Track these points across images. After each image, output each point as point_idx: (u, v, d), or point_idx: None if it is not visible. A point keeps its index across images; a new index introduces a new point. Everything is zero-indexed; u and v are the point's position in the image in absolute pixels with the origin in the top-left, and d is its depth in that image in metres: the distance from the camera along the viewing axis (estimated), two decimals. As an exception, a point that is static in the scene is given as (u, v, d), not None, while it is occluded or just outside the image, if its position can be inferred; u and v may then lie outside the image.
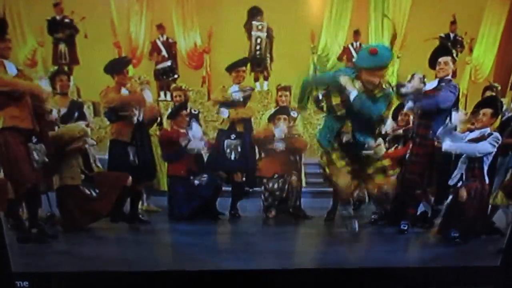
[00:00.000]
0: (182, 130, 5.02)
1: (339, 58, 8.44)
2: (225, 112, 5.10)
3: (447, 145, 4.16)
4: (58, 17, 7.71)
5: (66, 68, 7.09)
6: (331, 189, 5.06)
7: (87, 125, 4.67)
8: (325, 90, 3.97)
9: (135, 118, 4.62)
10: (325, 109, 4.07)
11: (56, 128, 4.44)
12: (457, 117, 4.31)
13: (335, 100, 3.85)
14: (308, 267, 3.83)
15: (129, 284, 3.44)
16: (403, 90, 4.54)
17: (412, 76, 4.98)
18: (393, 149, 4.95)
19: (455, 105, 4.41)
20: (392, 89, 3.97)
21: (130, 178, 4.52)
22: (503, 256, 3.65)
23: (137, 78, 5.09)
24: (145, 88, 4.85)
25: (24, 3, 7.70)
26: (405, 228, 4.58)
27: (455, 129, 4.25)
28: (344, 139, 3.91)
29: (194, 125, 5.07)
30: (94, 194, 4.47)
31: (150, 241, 4.49)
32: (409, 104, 4.51)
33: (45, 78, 4.36)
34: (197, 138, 4.99)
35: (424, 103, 4.39)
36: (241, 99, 5.09)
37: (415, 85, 4.43)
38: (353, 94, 3.74)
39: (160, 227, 4.92)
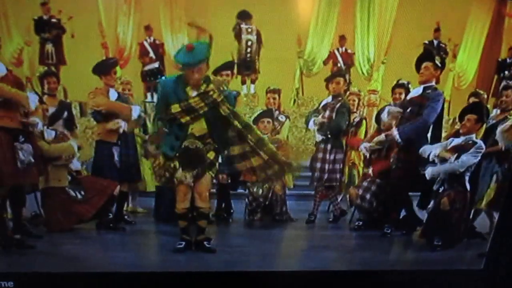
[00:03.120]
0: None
1: (325, 63, 8.51)
2: None
3: (429, 172, 4.24)
4: (45, 17, 7.66)
5: (53, 68, 7.05)
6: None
7: (80, 148, 4.67)
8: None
9: (120, 130, 4.64)
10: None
11: (46, 129, 4.43)
12: (435, 150, 4.34)
13: (175, 109, 3.69)
14: (292, 270, 3.84)
15: (115, 285, 3.42)
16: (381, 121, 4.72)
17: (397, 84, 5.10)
18: (376, 154, 4.97)
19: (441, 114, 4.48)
20: None
21: (119, 187, 4.54)
22: (486, 260, 3.68)
23: (118, 79, 5.07)
24: (134, 104, 4.89)
25: (11, 1, 7.64)
26: (388, 231, 4.61)
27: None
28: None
29: None
30: (79, 196, 4.46)
31: (136, 242, 4.47)
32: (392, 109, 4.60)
33: (34, 94, 4.32)
34: None
35: (410, 115, 4.48)
36: None
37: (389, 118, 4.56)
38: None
39: (145, 228, 4.91)
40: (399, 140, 4.42)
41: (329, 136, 5.08)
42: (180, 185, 3.73)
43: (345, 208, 5.39)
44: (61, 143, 4.45)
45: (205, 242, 3.87)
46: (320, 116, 5.13)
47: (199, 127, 3.74)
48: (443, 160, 4.22)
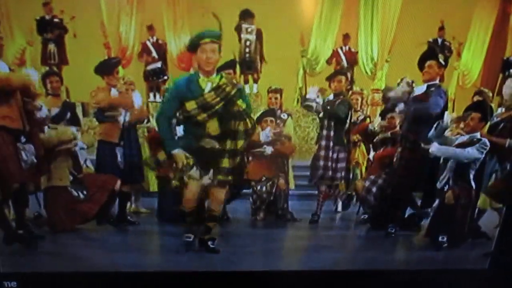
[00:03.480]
0: None
1: (328, 62, 8.48)
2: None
3: (434, 149, 4.17)
4: (47, 17, 7.66)
5: (55, 68, 7.04)
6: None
7: (79, 130, 4.65)
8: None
9: (121, 118, 4.60)
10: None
11: (46, 128, 4.41)
12: (449, 117, 4.31)
13: (190, 106, 3.65)
14: (296, 269, 3.83)
15: (118, 285, 3.42)
16: (391, 93, 4.60)
17: (402, 80, 5.06)
18: (381, 151, 4.97)
19: (444, 110, 4.44)
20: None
21: (119, 181, 4.51)
22: (491, 259, 3.67)
23: (121, 79, 5.06)
24: (135, 90, 4.86)
25: (13, 1, 7.64)
26: (392, 231, 4.58)
27: (445, 130, 4.28)
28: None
29: None
30: (81, 196, 4.45)
31: (139, 242, 4.46)
32: (400, 106, 4.55)
33: (34, 70, 4.31)
34: None
35: (414, 109, 4.43)
36: None
37: (401, 94, 4.49)
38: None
39: (148, 229, 4.90)
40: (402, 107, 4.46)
41: (330, 131, 5.02)
42: (191, 183, 3.69)
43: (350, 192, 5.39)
44: (60, 128, 4.45)
45: (209, 242, 3.84)
46: (320, 115, 5.11)
47: (214, 126, 3.70)
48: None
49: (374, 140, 5.15)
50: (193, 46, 3.68)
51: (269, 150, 5.07)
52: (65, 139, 4.38)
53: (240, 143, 3.72)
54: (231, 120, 3.69)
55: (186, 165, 3.65)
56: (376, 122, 5.08)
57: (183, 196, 3.77)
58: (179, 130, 4.17)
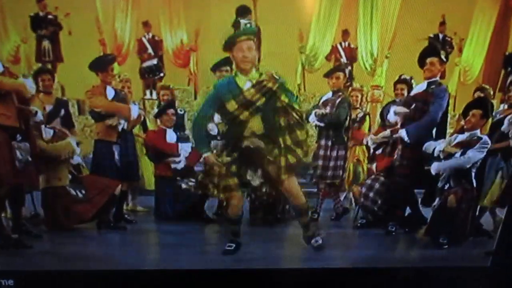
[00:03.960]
0: (170, 141, 5.04)
1: (328, 58, 8.43)
2: (214, 130, 5.01)
3: (435, 167, 4.16)
4: (41, 13, 7.59)
5: (50, 66, 6.98)
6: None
7: (79, 144, 4.60)
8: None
9: (120, 127, 4.58)
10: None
11: (43, 127, 4.36)
12: (441, 146, 4.28)
13: (231, 106, 3.56)
14: (295, 267, 3.81)
15: (115, 283, 3.39)
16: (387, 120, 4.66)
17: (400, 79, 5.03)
18: (380, 150, 4.91)
19: (446, 111, 4.40)
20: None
21: (120, 186, 4.49)
22: (493, 257, 3.64)
23: (117, 76, 5.02)
24: (134, 103, 4.87)
25: (6, -2, 7.58)
26: (393, 229, 4.56)
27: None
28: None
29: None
30: (80, 195, 4.42)
31: (136, 240, 4.43)
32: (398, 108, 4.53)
33: (30, 78, 4.26)
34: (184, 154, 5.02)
35: (415, 111, 4.40)
36: None
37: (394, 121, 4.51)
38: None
39: (146, 227, 4.88)
40: (408, 140, 4.34)
41: (330, 130, 5.01)
42: (234, 192, 3.61)
43: (348, 206, 5.34)
44: (59, 142, 4.38)
45: (312, 241, 3.81)
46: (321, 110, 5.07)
47: (258, 125, 3.59)
48: (449, 156, 4.15)
49: (371, 152, 5.09)
50: (229, 45, 3.60)
51: None
52: (65, 154, 4.35)
53: (287, 138, 3.59)
54: (275, 116, 3.59)
55: (220, 172, 3.60)
56: (372, 138, 4.99)
57: (228, 203, 3.73)
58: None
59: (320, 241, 3.81)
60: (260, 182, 3.63)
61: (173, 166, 5.00)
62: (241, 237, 3.81)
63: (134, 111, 4.68)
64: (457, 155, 4.11)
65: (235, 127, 3.63)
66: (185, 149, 5.02)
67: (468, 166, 4.09)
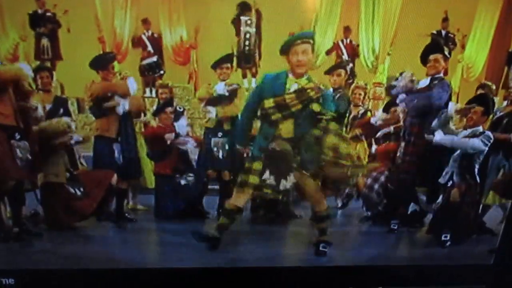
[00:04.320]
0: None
1: (328, 52, 8.36)
2: (212, 112, 5.01)
3: (438, 137, 4.16)
4: (40, 11, 7.56)
5: (48, 64, 6.97)
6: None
7: (72, 120, 4.55)
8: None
9: (120, 109, 4.52)
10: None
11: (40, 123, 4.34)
12: (453, 107, 4.27)
13: (268, 103, 3.60)
14: (296, 266, 3.83)
15: (116, 281, 3.39)
16: (393, 91, 4.55)
17: (401, 74, 4.99)
18: (383, 146, 4.93)
19: (448, 103, 4.38)
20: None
21: (116, 175, 4.48)
22: (496, 255, 3.65)
23: (117, 74, 5.02)
24: (129, 76, 4.82)
25: (5, -4, 7.54)
26: (395, 227, 4.57)
27: (449, 121, 4.24)
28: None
29: (181, 120, 5.04)
30: (79, 193, 4.41)
31: (137, 239, 4.44)
32: (401, 97, 4.49)
33: (27, 64, 4.25)
34: (183, 134, 4.99)
35: (417, 101, 4.36)
36: (227, 97, 4.99)
37: (404, 84, 4.42)
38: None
39: (146, 226, 4.86)
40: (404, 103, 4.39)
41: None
42: (247, 188, 3.65)
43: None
44: (54, 119, 4.35)
45: (321, 245, 3.82)
46: None
47: (287, 129, 3.60)
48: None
49: (377, 136, 5.09)
50: (285, 50, 3.62)
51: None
52: (59, 129, 4.30)
53: (314, 147, 3.59)
54: (305, 123, 3.59)
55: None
56: (378, 116, 5.02)
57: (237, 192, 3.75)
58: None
59: (327, 249, 3.81)
60: (287, 186, 3.59)
61: (183, 147, 5.00)
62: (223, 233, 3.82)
63: (131, 84, 4.65)
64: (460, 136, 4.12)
65: (266, 126, 3.65)
66: (181, 128, 5.01)
67: (471, 151, 4.08)
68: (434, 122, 4.20)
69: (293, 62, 3.57)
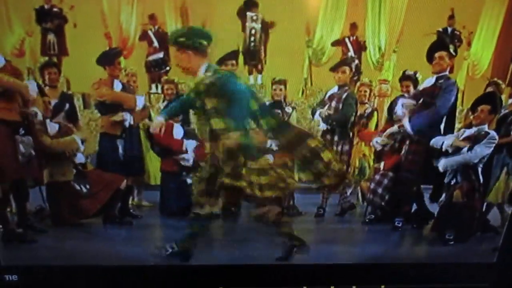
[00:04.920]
0: (176, 138, 5.01)
1: (333, 44, 8.30)
2: None
3: (442, 164, 4.16)
4: (46, 6, 7.55)
5: (55, 59, 6.97)
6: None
7: (83, 141, 4.59)
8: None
9: (126, 123, 4.61)
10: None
11: (48, 121, 4.38)
12: (448, 142, 4.25)
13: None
14: (300, 263, 3.76)
15: (120, 278, 3.40)
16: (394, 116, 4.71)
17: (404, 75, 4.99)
18: (388, 146, 4.89)
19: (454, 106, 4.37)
20: None
21: (125, 181, 4.53)
22: (499, 253, 3.65)
23: (123, 70, 5.02)
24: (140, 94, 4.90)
25: (11, -9, 7.54)
26: (399, 225, 4.58)
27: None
28: None
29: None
30: (85, 190, 4.43)
31: (142, 235, 4.49)
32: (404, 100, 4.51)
33: (34, 82, 4.27)
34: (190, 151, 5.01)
35: (423, 104, 4.38)
36: None
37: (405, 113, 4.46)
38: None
39: (151, 222, 4.91)
40: (411, 132, 4.33)
41: (335, 127, 5.00)
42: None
43: (355, 202, 5.31)
44: (64, 138, 4.38)
45: (295, 250, 3.73)
46: (326, 108, 5.07)
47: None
48: (456, 151, 4.13)
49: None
50: None
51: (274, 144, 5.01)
52: (69, 150, 4.34)
53: None
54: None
55: None
56: (379, 141, 4.97)
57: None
58: None
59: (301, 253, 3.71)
60: None
61: (182, 163, 4.98)
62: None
63: (140, 101, 4.71)
64: (464, 150, 4.10)
65: None
66: (189, 145, 5.01)
67: (475, 162, 4.08)
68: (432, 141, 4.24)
69: None
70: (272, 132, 3.57)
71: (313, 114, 5.28)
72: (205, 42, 3.52)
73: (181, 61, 3.50)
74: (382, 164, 4.89)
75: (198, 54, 3.49)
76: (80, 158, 4.57)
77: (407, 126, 4.35)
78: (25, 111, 3.88)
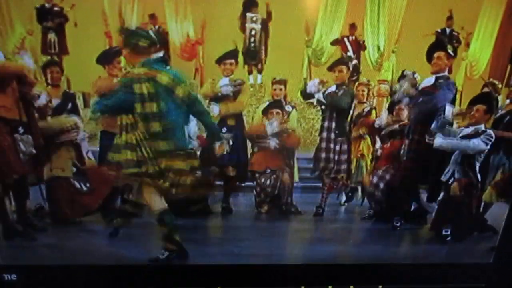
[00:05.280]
0: None
1: (333, 43, 8.31)
2: (215, 109, 5.01)
3: (438, 141, 4.16)
4: (47, 5, 7.56)
5: (56, 58, 6.98)
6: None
7: (80, 119, 4.59)
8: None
9: None
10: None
11: (49, 119, 4.39)
12: (450, 110, 4.28)
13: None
14: (299, 263, 3.82)
15: (119, 277, 3.41)
16: (395, 96, 4.67)
17: (402, 75, 4.99)
18: (388, 144, 4.92)
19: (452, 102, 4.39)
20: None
21: None
22: (496, 254, 3.66)
23: (123, 69, 5.02)
24: None
25: (12, -10, 7.55)
26: (398, 224, 4.59)
27: (450, 124, 4.24)
28: None
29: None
30: (84, 188, 4.43)
31: (141, 234, 4.39)
32: (406, 100, 4.51)
33: (28, 55, 4.27)
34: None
35: (422, 100, 4.38)
36: (231, 93, 4.99)
37: (407, 88, 4.46)
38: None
39: (151, 221, 4.84)
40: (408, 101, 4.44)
41: (332, 122, 4.99)
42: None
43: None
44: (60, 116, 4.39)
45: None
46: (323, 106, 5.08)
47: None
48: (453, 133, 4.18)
49: (382, 133, 5.09)
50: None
51: (275, 143, 5.02)
52: (67, 127, 4.33)
53: None
54: None
55: None
56: (383, 117, 5.01)
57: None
58: None
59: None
60: None
61: None
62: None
63: None
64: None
65: None
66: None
67: (471, 152, 4.09)
68: (433, 125, 4.20)
69: None
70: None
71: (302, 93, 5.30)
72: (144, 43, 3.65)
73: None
74: (379, 151, 4.93)
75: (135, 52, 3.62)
76: (82, 136, 4.58)
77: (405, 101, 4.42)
78: (28, 93, 3.86)
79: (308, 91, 5.05)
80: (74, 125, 4.39)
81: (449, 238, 4.17)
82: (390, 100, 4.92)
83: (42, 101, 4.12)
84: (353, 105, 5.07)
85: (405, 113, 4.90)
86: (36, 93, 3.99)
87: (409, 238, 4.64)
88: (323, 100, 4.95)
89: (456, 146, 4.14)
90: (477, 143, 4.08)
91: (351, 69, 5.19)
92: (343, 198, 5.46)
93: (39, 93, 4.07)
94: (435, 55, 4.40)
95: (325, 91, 5.01)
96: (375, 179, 4.82)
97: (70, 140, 4.43)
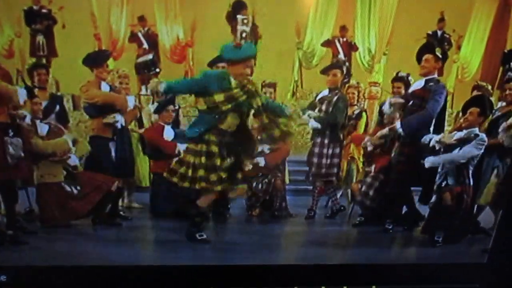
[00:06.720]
0: (167, 138, 4.98)
1: (323, 44, 8.32)
2: None
3: (429, 162, 4.16)
4: (35, 7, 7.50)
5: (44, 61, 6.93)
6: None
7: (75, 142, 4.53)
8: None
9: (118, 125, 4.59)
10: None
11: (38, 122, 4.35)
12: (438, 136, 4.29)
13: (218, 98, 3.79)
14: (290, 264, 3.84)
15: (109, 279, 3.38)
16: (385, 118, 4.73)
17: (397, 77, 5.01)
18: (378, 150, 4.89)
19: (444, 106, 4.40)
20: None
21: (116, 183, 4.48)
22: (490, 254, 3.66)
23: (115, 71, 4.99)
24: (130, 94, 4.88)
25: (0, -8, 7.49)
26: (390, 227, 4.58)
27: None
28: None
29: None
30: (75, 191, 4.38)
31: (132, 237, 4.44)
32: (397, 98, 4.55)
33: (24, 89, 4.23)
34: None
35: (412, 106, 4.41)
36: None
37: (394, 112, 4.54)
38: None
39: (141, 224, 4.87)
40: (402, 133, 4.35)
41: (326, 130, 4.99)
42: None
43: (344, 204, 5.31)
44: (56, 139, 4.34)
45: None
46: (316, 110, 5.06)
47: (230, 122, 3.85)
48: (445, 150, 4.16)
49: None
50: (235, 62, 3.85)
51: (265, 148, 5.00)
52: (60, 152, 4.31)
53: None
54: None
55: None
56: (369, 142, 4.98)
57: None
58: None
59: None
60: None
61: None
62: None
63: (131, 101, 4.71)
64: (456, 151, 4.12)
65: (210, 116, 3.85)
66: (183, 149, 4.99)
67: (463, 161, 4.10)
68: (426, 160, 4.22)
69: (237, 72, 3.84)
70: None
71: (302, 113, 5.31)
72: None
73: None
74: (372, 167, 4.89)
75: None
76: (74, 160, 4.53)
77: (398, 128, 4.37)
78: (14, 113, 3.84)
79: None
80: (68, 149, 4.36)
81: (439, 244, 4.16)
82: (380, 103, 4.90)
83: (26, 121, 4.10)
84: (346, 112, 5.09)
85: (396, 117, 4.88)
86: (21, 114, 3.99)
87: (401, 240, 4.63)
88: (317, 126, 5.03)
89: (450, 160, 4.14)
90: (469, 150, 4.08)
91: (345, 72, 5.20)
92: (329, 211, 5.37)
93: (25, 115, 4.06)
94: (424, 57, 4.40)
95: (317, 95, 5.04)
96: (364, 188, 4.76)
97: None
